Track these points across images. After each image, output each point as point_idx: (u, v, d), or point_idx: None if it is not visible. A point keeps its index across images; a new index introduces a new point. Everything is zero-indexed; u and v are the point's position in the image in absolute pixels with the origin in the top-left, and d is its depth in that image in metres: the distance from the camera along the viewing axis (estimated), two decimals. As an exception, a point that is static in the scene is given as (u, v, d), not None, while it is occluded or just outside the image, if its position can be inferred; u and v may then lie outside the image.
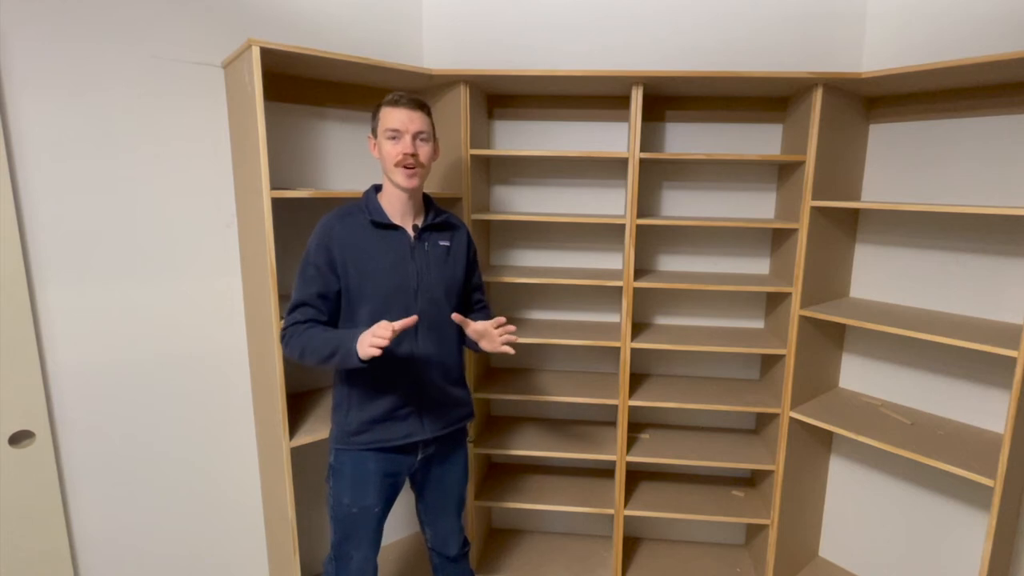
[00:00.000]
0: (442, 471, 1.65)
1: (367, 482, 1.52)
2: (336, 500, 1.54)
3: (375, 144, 1.48)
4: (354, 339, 1.33)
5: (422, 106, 1.46)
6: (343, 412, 1.52)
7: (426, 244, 1.52)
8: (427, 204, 1.58)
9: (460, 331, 1.59)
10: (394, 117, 1.42)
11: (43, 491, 1.61)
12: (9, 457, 1.54)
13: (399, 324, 1.30)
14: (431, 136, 1.48)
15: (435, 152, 1.51)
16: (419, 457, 1.58)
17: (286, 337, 1.45)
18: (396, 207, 1.50)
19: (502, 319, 1.48)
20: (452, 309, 1.55)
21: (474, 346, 1.58)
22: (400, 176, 1.44)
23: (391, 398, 1.49)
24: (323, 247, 1.44)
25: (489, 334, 1.49)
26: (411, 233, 1.50)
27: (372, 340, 1.28)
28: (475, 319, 1.62)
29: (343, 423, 1.51)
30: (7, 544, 1.56)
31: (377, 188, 1.54)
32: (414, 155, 1.43)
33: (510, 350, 1.48)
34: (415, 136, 1.43)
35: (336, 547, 1.58)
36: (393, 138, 1.43)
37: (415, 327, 1.45)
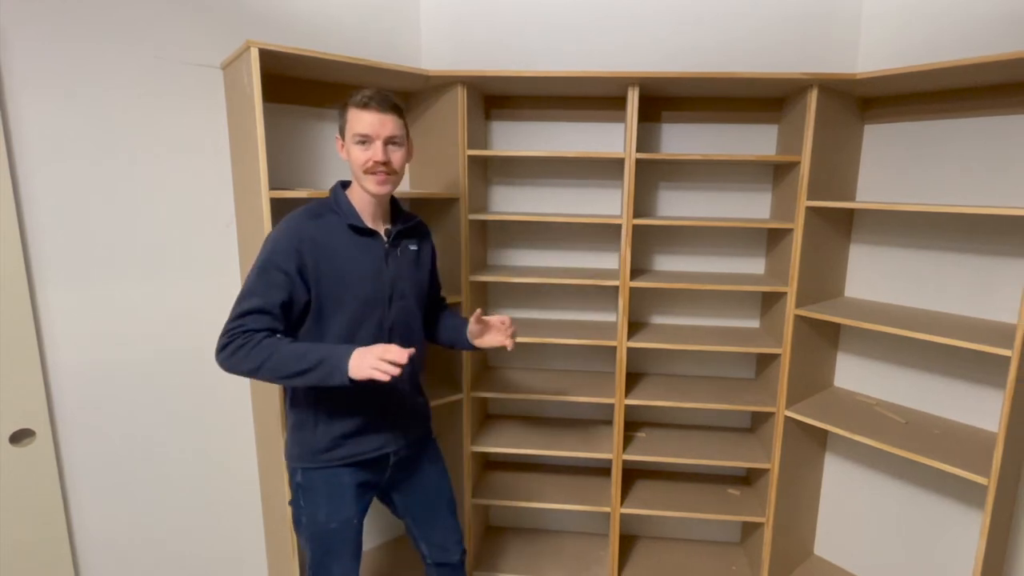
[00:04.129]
0: (420, 477, 1.61)
1: (343, 495, 1.44)
2: (310, 518, 1.44)
3: (343, 146, 1.38)
4: (344, 356, 1.23)
5: (394, 107, 1.35)
6: (308, 430, 1.42)
7: (398, 250, 1.46)
8: (393, 206, 1.51)
9: (436, 328, 1.63)
10: (363, 121, 1.31)
11: (43, 489, 1.63)
12: (10, 456, 1.56)
13: (406, 353, 1.21)
14: (404, 139, 1.38)
15: (408, 155, 1.42)
16: (391, 462, 1.52)
17: (233, 345, 1.25)
18: (367, 210, 1.42)
19: (508, 319, 1.52)
20: (420, 314, 1.54)
21: (468, 345, 1.58)
22: (371, 183, 1.35)
23: (363, 411, 1.42)
24: (293, 251, 1.30)
25: (496, 328, 1.52)
26: (384, 238, 1.44)
27: (378, 364, 1.18)
28: (454, 323, 1.66)
29: (310, 441, 1.42)
30: (8, 542, 1.58)
31: (344, 184, 1.46)
32: (386, 163, 1.33)
33: (510, 344, 1.50)
34: (387, 142, 1.33)
35: (315, 566, 1.47)
36: (363, 143, 1.33)
37: (388, 336, 1.43)
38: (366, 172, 1.34)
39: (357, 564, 1.52)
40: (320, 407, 1.41)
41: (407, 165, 1.47)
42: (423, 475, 1.61)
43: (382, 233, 1.44)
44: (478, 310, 1.52)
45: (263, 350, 1.25)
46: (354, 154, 1.34)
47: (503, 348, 1.54)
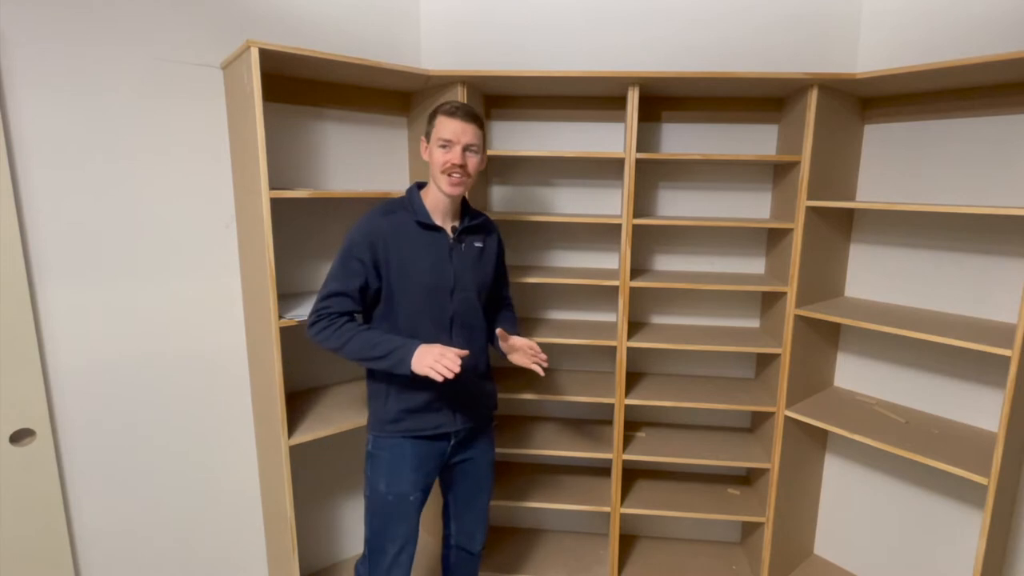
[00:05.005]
0: (472, 459, 1.70)
1: (403, 467, 1.57)
2: (372, 489, 1.58)
3: (426, 148, 1.54)
4: (410, 349, 1.41)
5: (476, 119, 1.52)
6: (381, 400, 1.57)
7: (463, 245, 1.59)
8: (463, 205, 1.63)
9: (488, 328, 1.69)
10: (448, 127, 1.48)
11: (44, 489, 1.63)
12: (10, 455, 1.56)
13: (460, 354, 1.38)
14: (480, 148, 1.53)
15: (482, 162, 1.56)
16: (451, 443, 1.63)
17: (320, 325, 1.46)
18: (438, 209, 1.55)
19: (537, 346, 1.58)
20: (482, 307, 1.65)
21: (501, 352, 1.67)
22: (445, 183, 1.49)
23: (427, 391, 1.54)
24: (368, 243, 1.47)
25: (523, 351, 1.59)
26: (450, 234, 1.56)
27: (436, 366, 1.35)
28: (503, 318, 1.77)
29: (381, 411, 1.57)
30: (8, 541, 1.58)
31: (419, 186, 1.60)
32: (462, 166, 1.48)
33: (539, 371, 1.58)
34: (466, 148, 1.49)
35: (370, 541, 1.61)
36: (444, 147, 1.48)
37: (450, 324, 1.56)
38: (443, 172, 1.49)
39: (412, 547, 1.62)
40: (392, 381, 1.56)
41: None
42: (477, 460, 1.71)
43: (448, 230, 1.57)
44: (499, 330, 1.62)
45: (344, 334, 1.45)
46: (436, 156, 1.50)
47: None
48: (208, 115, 1.80)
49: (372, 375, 1.60)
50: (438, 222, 1.55)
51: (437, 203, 1.55)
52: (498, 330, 1.62)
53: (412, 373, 1.40)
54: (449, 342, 1.54)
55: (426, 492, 1.63)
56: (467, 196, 2.04)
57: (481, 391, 1.68)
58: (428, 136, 1.54)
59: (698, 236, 2.32)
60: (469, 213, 1.64)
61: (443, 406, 1.58)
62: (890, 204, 1.76)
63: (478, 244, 1.63)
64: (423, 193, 1.58)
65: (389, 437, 1.57)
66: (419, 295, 1.52)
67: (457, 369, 1.35)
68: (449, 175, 1.48)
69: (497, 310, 1.79)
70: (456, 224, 1.59)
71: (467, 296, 1.58)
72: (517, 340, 1.60)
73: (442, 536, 1.84)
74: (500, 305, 1.81)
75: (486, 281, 1.66)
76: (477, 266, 1.62)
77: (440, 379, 1.35)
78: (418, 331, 1.51)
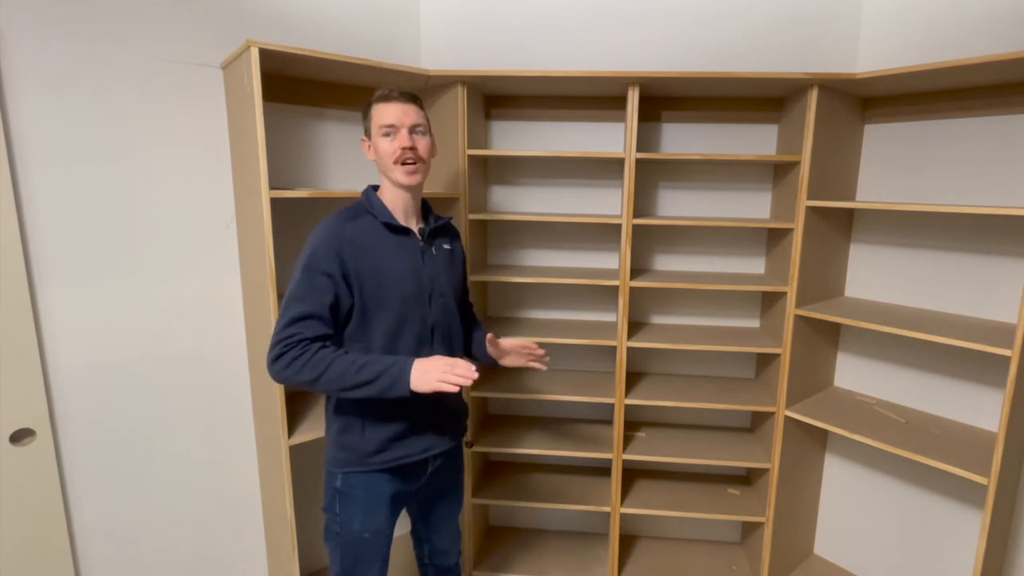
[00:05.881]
0: (446, 484, 1.61)
1: (380, 504, 1.45)
2: (344, 527, 1.44)
3: (370, 146, 1.41)
4: (405, 368, 1.24)
5: (415, 99, 1.39)
6: (356, 432, 1.40)
7: (433, 248, 1.47)
8: (424, 206, 1.52)
9: (464, 338, 1.61)
10: (388, 112, 1.35)
11: (44, 489, 1.63)
12: (10, 456, 1.56)
13: (473, 371, 1.22)
14: (427, 129, 1.41)
15: (433, 147, 1.43)
16: (428, 471, 1.52)
17: (289, 356, 1.25)
18: (399, 209, 1.42)
19: (531, 344, 1.52)
20: (459, 312, 1.54)
21: (487, 358, 1.57)
22: (400, 174, 1.36)
23: (411, 414, 1.42)
24: (334, 254, 1.30)
25: (517, 352, 1.52)
26: (419, 236, 1.44)
27: (445, 377, 1.19)
28: (477, 327, 1.67)
29: (358, 444, 1.41)
30: (8, 541, 1.58)
31: (375, 188, 1.47)
32: (413, 149, 1.35)
33: (541, 367, 1.53)
34: (411, 129, 1.36)
35: (343, 575, 1.48)
36: (388, 135, 1.35)
37: (431, 335, 1.44)
38: (395, 163, 1.36)
39: (385, 574, 1.53)
40: (368, 410, 1.40)
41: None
42: (449, 485, 1.63)
43: (416, 232, 1.45)
44: (490, 334, 1.51)
45: (320, 362, 1.24)
46: (382, 147, 1.36)
47: (518, 356, 1.55)
48: (208, 115, 1.80)
49: (340, 406, 1.42)
50: (403, 224, 1.41)
51: (397, 202, 1.41)
52: (488, 335, 1.50)
53: (411, 394, 1.24)
54: (432, 353, 1.39)
55: (396, 520, 1.53)
56: (464, 195, 2.07)
57: (459, 405, 1.58)
58: (368, 132, 1.40)
59: (698, 236, 2.32)
60: (432, 212, 1.52)
61: (428, 428, 1.46)
62: (890, 204, 1.76)
63: (447, 246, 1.51)
64: (380, 194, 1.44)
65: (366, 472, 1.42)
66: (397, 305, 1.37)
67: (475, 375, 1.20)
68: (403, 164, 1.34)
69: (469, 322, 1.67)
70: (422, 225, 1.47)
71: (445, 302, 1.47)
72: (507, 342, 1.51)
73: (415, 556, 1.74)
74: (470, 317, 1.70)
75: (459, 285, 1.56)
76: (449, 269, 1.51)
77: (455, 390, 1.20)
78: (398, 347, 1.38)
